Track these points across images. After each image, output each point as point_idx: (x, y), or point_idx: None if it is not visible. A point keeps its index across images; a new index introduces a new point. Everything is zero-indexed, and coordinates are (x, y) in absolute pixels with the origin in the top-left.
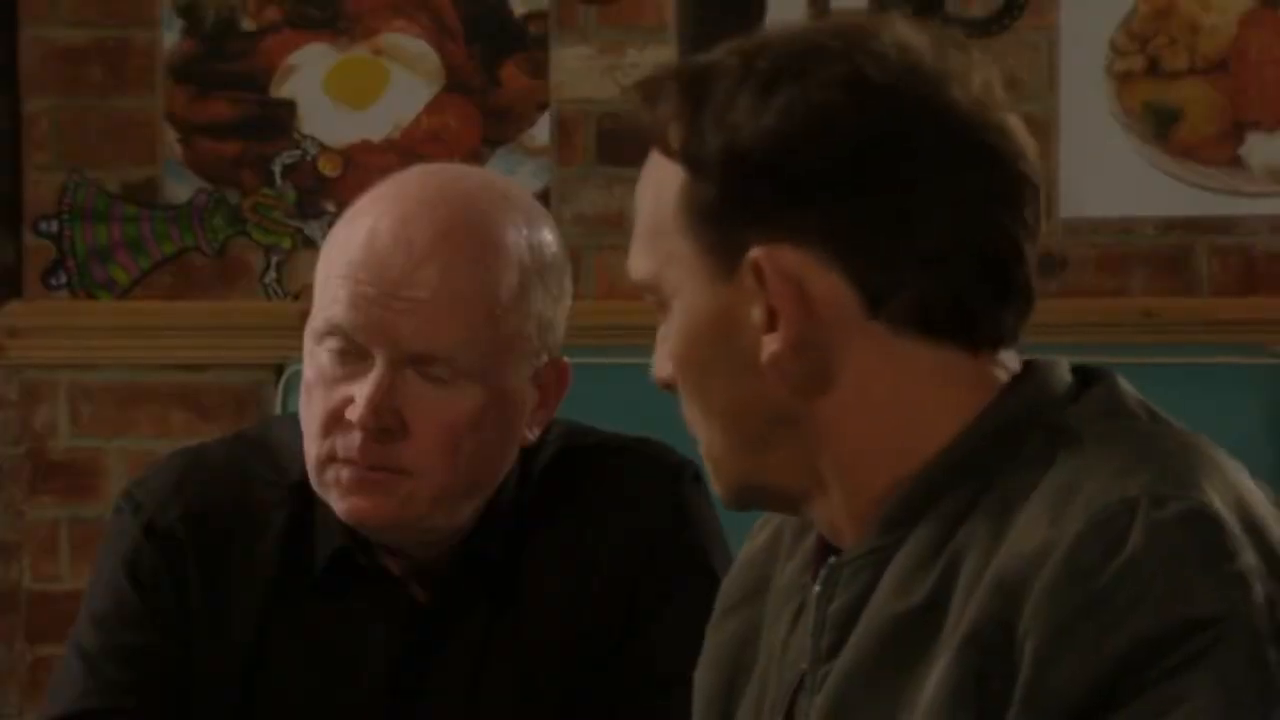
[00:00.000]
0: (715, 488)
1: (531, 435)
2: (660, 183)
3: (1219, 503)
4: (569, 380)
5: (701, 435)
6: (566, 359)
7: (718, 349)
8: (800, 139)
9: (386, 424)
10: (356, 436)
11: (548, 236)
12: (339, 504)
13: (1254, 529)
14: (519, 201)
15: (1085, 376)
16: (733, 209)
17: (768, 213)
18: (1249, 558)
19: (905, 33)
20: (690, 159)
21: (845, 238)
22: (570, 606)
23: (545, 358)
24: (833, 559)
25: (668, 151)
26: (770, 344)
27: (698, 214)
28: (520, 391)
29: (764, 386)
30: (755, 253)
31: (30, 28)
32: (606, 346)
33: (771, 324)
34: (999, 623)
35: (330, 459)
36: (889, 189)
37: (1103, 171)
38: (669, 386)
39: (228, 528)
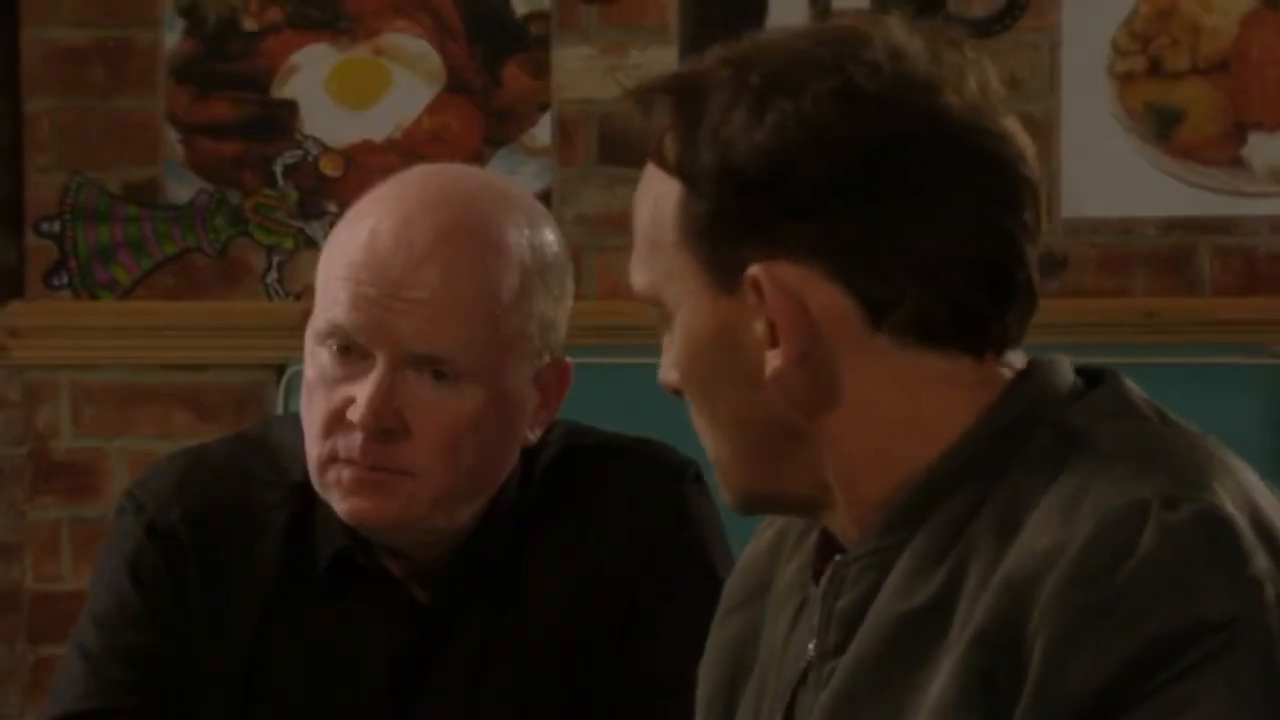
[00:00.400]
0: (723, 494)
1: (533, 436)
2: (658, 197)
3: (1231, 505)
4: (570, 381)
5: (709, 444)
6: (569, 359)
7: (721, 363)
8: (794, 155)
9: (387, 424)
10: (358, 437)
11: (549, 237)
12: (340, 504)
13: (1265, 531)
14: (520, 202)
15: (1089, 376)
16: (730, 225)
17: (766, 229)
18: (1261, 560)
19: (898, 37)
20: (686, 175)
21: (844, 251)
22: (571, 607)
23: (547, 358)
24: (839, 556)
25: (664, 165)
26: (773, 359)
27: (695, 230)
28: (521, 392)
29: (769, 401)
30: (754, 269)
31: (32, 28)
32: (608, 347)
33: (773, 339)
34: (1008, 623)
35: (331, 459)
36: (886, 200)
37: (1104, 172)
38: (676, 392)
39: (229, 528)
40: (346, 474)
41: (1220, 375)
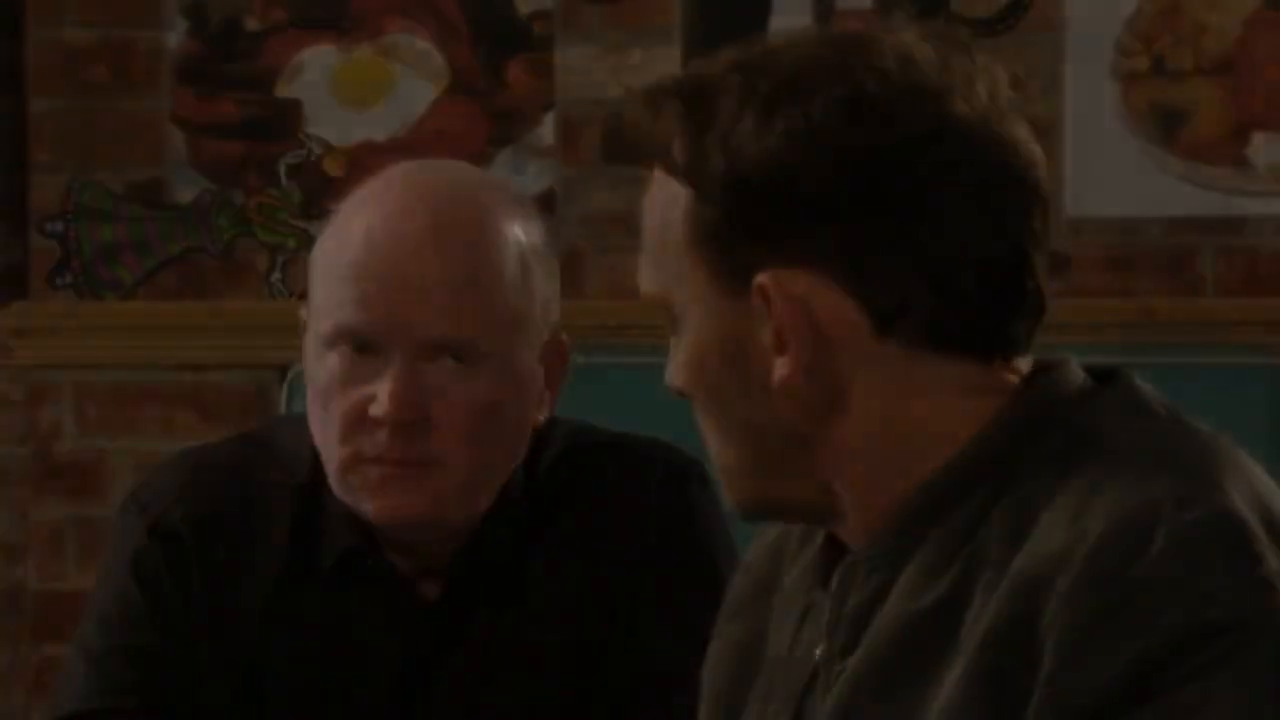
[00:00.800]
0: (728, 501)
1: (540, 417)
2: (666, 201)
3: (1242, 505)
4: (569, 359)
5: (715, 450)
6: (565, 336)
7: (729, 369)
8: (803, 162)
9: (412, 416)
10: (383, 433)
11: (532, 217)
12: (369, 505)
13: (1276, 532)
14: (501, 186)
15: (1099, 375)
16: (738, 232)
17: (773, 236)
18: (1273, 562)
19: (908, 42)
20: (695, 181)
21: (852, 260)
22: (575, 606)
23: (547, 336)
24: (849, 556)
25: (672, 171)
26: (780, 367)
27: (703, 236)
28: (530, 371)
29: (776, 408)
30: (761, 277)
31: (36, 28)
32: (610, 346)
33: (781, 346)
34: (1019, 622)
35: (356, 460)
36: (894, 209)
37: (1108, 171)
38: (682, 394)
39: (232, 528)
40: (374, 473)
41: (1223, 376)
